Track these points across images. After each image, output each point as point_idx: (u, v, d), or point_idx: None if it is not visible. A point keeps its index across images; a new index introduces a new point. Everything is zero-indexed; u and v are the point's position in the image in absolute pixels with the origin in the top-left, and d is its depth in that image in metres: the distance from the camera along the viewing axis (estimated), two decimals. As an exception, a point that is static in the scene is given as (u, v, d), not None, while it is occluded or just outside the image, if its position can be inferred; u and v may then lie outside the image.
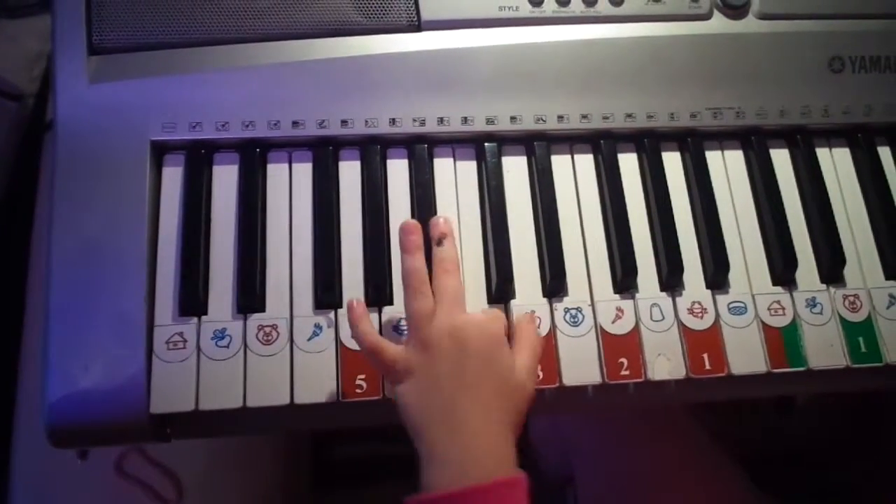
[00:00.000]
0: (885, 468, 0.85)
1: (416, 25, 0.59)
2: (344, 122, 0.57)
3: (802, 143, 0.62)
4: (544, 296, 0.56)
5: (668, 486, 0.70)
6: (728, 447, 0.74)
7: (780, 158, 0.62)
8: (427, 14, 0.59)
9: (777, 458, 0.93)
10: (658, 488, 0.71)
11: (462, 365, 0.48)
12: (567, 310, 0.56)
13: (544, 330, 0.55)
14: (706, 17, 0.62)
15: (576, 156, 0.61)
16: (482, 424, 0.47)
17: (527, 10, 0.60)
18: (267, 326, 0.53)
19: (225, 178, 0.57)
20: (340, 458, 1.14)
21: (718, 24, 0.62)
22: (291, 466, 0.94)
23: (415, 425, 0.48)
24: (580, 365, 0.54)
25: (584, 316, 0.55)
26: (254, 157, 0.57)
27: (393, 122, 0.58)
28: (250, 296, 0.54)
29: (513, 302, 0.56)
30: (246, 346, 0.53)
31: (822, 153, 0.63)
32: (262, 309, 0.54)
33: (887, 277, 0.59)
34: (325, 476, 1.07)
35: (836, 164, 0.63)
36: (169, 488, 0.80)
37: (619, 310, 0.56)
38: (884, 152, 0.63)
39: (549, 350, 0.54)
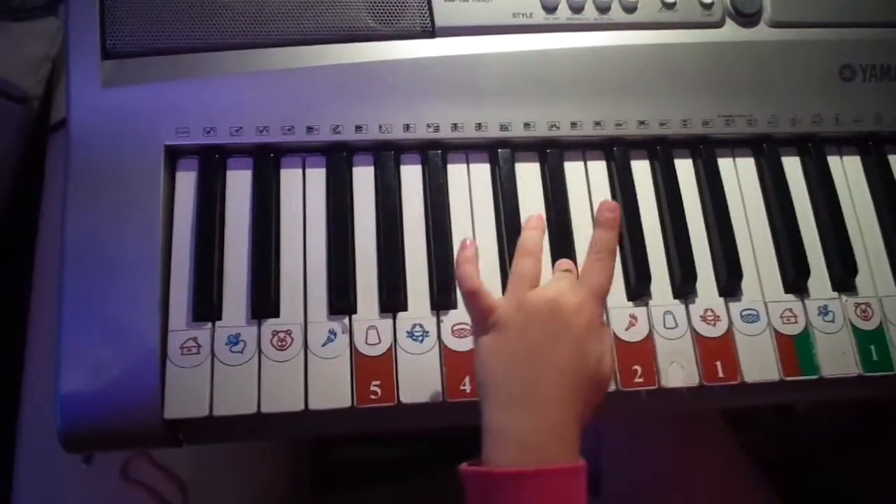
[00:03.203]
0: (888, 474, 0.85)
1: (430, 32, 0.59)
2: (358, 128, 0.57)
3: (814, 151, 0.62)
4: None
5: (693, 490, 0.70)
6: (755, 453, 0.74)
7: (792, 166, 0.62)
8: (441, 20, 0.59)
9: (779, 464, 0.93)
10: (683, 491, 0.71)
11: (556, 341, 0.46)
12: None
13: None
14: (718, 24, 0.62)
15: (588, 162, 0.61)
16: (559, 410, 0.45)
17: (541, 16, 0.60)
18: (281, 332, 0.53)
19: (239, 183, 0.57)
20: (340, 461, 1.14)
21: (730, 31, 0.62)
22: (293, 469, 0.94)
23: (489, 385, 0.47)
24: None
25: (606, 321, 0.55)
26: (267, 162, 0.57)
27: (407, 127, 0.58)
28: (265, 301, 0.54)
29: (526, 308, 0.55)
30: (260, 351, 0.53)
31: (833, 161, 0.63)
32: (276, 314, 0.54)
33: (899, 285, 0.59)
34: (324, 478, 1.07)
35: (847, 172, 0.63)
36: (174, 492, 0.80)
37: (633, 317, 0.56)
38: (894, 160, 0.64)
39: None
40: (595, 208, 0.59)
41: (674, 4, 0.61)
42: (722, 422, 0.75)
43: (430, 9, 0.59)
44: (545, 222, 0.54)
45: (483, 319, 0.48)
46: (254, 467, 0.85)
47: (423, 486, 1.07)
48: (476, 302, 0.49)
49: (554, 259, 0.57)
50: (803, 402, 0.58)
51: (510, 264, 0.55)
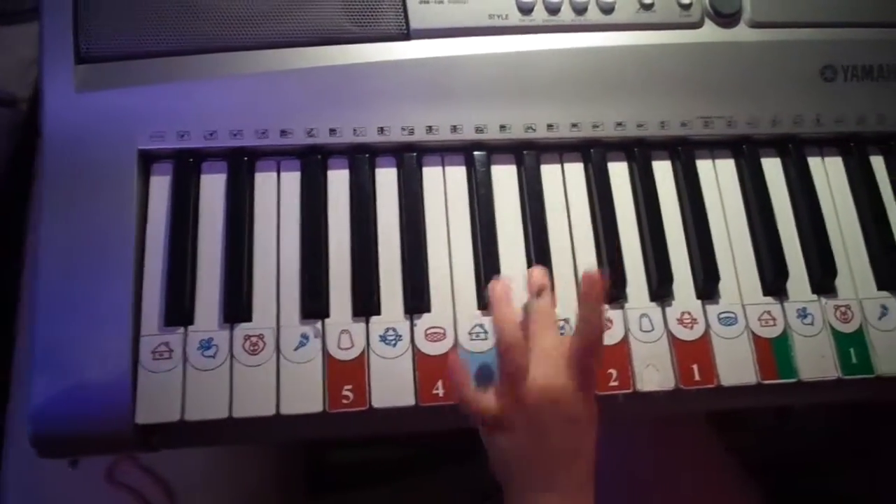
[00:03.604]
0: (883, 476, 0.85)
1: (406, 34, 0.59)
2: (332, 131, 0.57)
3: (794, 153, 0.62)
4: (533, 306, 0.56)
5: (677, 492, 0.70)
6: (742, 455, 0.74)
7: (772, 168, 0.62)
8: (416, 22, 0.59)
9: (772, 466, 0.92)
10: (666, 494, 0.70)
11: (562, 436, 0.48)
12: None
13: (532, 340, 0.54)
14: (697, 25, 0.61)
15: (566, 164, 0.60)
16: (580, 482, 0.49)
17: (517, 18, 0.59)
18: (253, 336, 0.53)
19: (213, 187, 0.57)
20: (334, 463, 1.14)
21: (709, 32, 0.62)
22: (284, 471, 0.94)
23: (510, 480, 0.49)
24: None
25: (572, 327, 0.55)
26: (241, 165, 0.57)
27: (381, 130, 0.57)
28: (237, 305, 0.53)
29: (501, 312, 0.55)
30: (232, 355, 0.53)
31: (815, 162, 0.63)
32: (248, 318, 0.54)
33: (879, 288, 0.59)
34: (319, 480, 1.07)
35: (829, 173, 0.63)
36: (160, 496, 0.80)
37: (608, 320, 0.55)
38: (876, 162, 0.63)
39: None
40: (572, 210, 0.59)
41: (651, 5, 0.60)
42: (706, 423, 0.75)
43: (405, 11, 0.58)
44: (511, 291, 0.52)
45: (487, 427, 0.50)
46: (241, 470, 0.85)
47: (418, 487, 1.07)
48: (473, 406, 0.49)
49: (530, 263, 0.57)
50: (786, 405, 0.58)
51: (484, 267, 0.55)
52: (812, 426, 0.92)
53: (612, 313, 0.56)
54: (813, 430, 0.92)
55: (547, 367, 0.49)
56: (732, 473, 0.73)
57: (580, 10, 0.60)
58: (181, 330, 0.53)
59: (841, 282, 0.59)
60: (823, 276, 0.58)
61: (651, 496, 0.71)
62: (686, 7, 0.61)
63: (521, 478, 0.49)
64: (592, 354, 0.50)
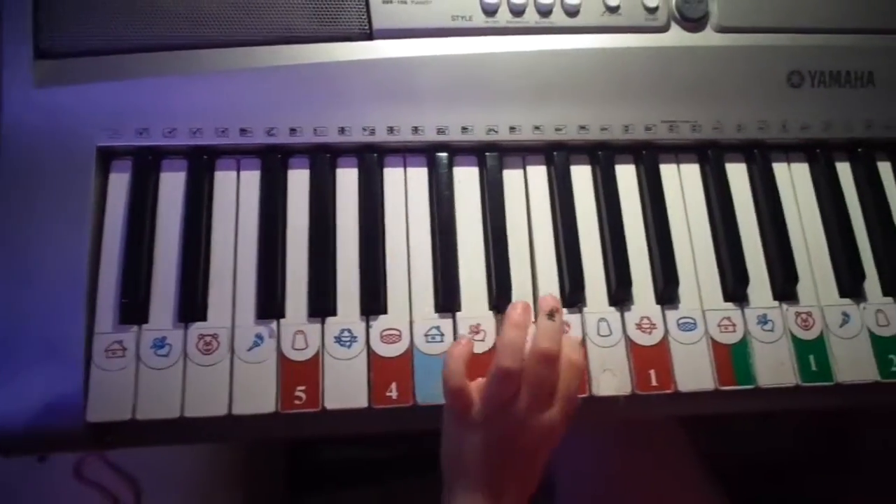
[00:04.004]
0: (851, 481, 0.85)
1: (368, 34, 0.58)
2: (293, 131, 0.57)
3: (760, 158, 0.61)
4: (490, 308, 0.56)
5: (646, 495, 0.70)
6: (704, 459, 0.74)
7: (737, 173, 0.62)
8: (379, 22, 0.58)
9: (751, 470, 0.92)
10: (635, 496, 0.70)
11: (514, 450, 0.49)
12: (513, 323, 0.55)
13: (488, 344, 0.54)
14: (663, 29, 0.61)
15: (528, 167, 0.60)
16: (516, 492, 0.50)
17: (481, 19, 0.59)
18: (208, 336, 0.53)
19: (172, 185, 0.57)
20: (319, 462, 1.14)
21: (676, 36, 0.61)
22: (260, 471, 0.94)
23: (449, 469, 0.51)
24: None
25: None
26: (201, 164, 0.57)
27: (342, 130, 0.57)
28: (192, 304, 0.53)
29: (458, 314, 0.55)
30: (186, 355, 0.52)
31: (781, 168, 0.62)
32: (203, 318, 0.54)
33: (841, 295, 0.59)
34: (302, 479, 1.07)
35: (795, 179, 0.62)
36: (127, 493, 0.80)
37: (566, 324, 0.55)
38: (842, 168, 0.63)
39: (489, 366, 0.53)
40: (533, 213, 0.59)
41: (617, 8, 0.60)
42: (677, 427, 0.74)
43: (368, 10, 0.58)
44: (530, 318, 0.52)
45: (458, 412, 0.50)
46: (214, 469, 0.85)
47: (406, 488, 1.07)
48: (457, 400, 0.50)
49: (489, 266, 0.57)
50: (746, 412, 0.57)
51: (442, 270, 0.55)
52: (782, 430, 0.92)
53: (570, 317, 0.56)
54: (782, 435, 0.91)
55: (532, 397, 0.49)
56: (702, 478, 0.72)
57: (545, 13, 0.60)
58: (135, 328, 0.53)
59: (803, 288, 0.58)
60: (785, 283, 0.58)
61: (623, 499, 0.71)
62: (652, 11, 0.61)
63: (465, 478, 0.50)
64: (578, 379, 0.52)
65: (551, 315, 0.51)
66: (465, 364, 0.50)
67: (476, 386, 0.50)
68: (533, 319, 0.53)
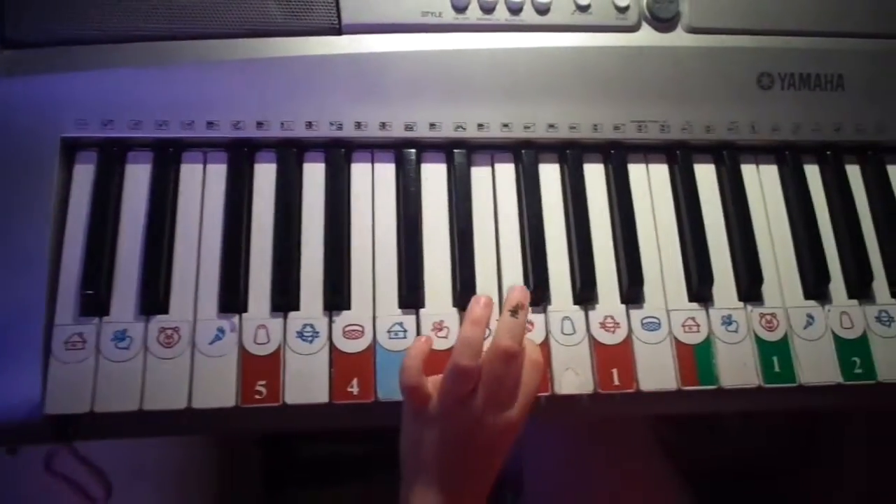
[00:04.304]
0: (820, 481, 0.85)
1: (337, 28, 0.58)
2: (260, 125, 0.57)
3: (728, 160, 0.61)
4: (454, 306, 0.56)
5: (615, 487, 0.70)
6: (679, 460, 0.74)
7: (705, 174, 0.62)
8: (348, 17, 0.58)
9: (712, 470, 0.92)
10: (604, 489, 0.70)
11: (469, 447, 0.49)
12: (477, 321, 0.55)
13: (451, 341, 0.54)
14: (634, 28, 0.61)
15: (497, 165, 0.60)
16: (469, 489, 0.51)
17: (450, 16, 0.59)
18: (169, 329, 0.53)
19: (137, 178, 0.57)
20: (296, 458, 1.13)
21: (646, 36, 0.62)
22: (234, 466, 0.93)
23: (405, 464, 0.51)
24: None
25: (490, 330, 0.54)
26: (167, 156, 0.57)
27: (310, 125, 0.57)
28: (153, 297, 0.53)
29: (422, 311, 0.55)
30: (146, 348, 0.52)
31: (749, 170, 0.62)
32: (164, 311, 0.53)
33: (806, 297, 0.59)
34: (279, 476, 1.07)
35: (763, 181, 0.62)
36: (97, 487, 0.80)
37: (530, 322, 0.55)
38: (811, 171, 0.63)
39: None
40: (500, 211, 0.59)
41: (587, 7, 0.60)
42: (645, 427, 0.75)
43: (337, 5, 0.58)
44: (490, 314, 0.52)
45: (414, 408, 0.50)
46: (185, 464, 0.85)
47: (384, 484, 1.06)
48: (412, 397, 0.50)
49: (454, 263, 0.57)
50: (707, 413, 0.58)
51: (406, 266, 0.55)
52: (749, 430, 0.92)
53: (534, 316, 0.56)
54: (750, 435, 0.92)
55: (488, 395, 0.49)
56: (669, 475, 0.72)
57: (515, 10, 0.60)
58: (96, 321, 0.53)
59: (768, 290, 0.59)
60: (750, 284, 0.58)
61: (592, 492, 0.71)
62: (623, 10, 0.61)
63: (420, 472, 0.50)
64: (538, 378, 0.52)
65: (515, 312, 0.51)
66: (423, 361, 0.50)
67: (433, 382, 0.50)
68: (498, 315, 0.53)
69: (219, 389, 0.52)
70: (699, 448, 0.89)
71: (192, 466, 0.86)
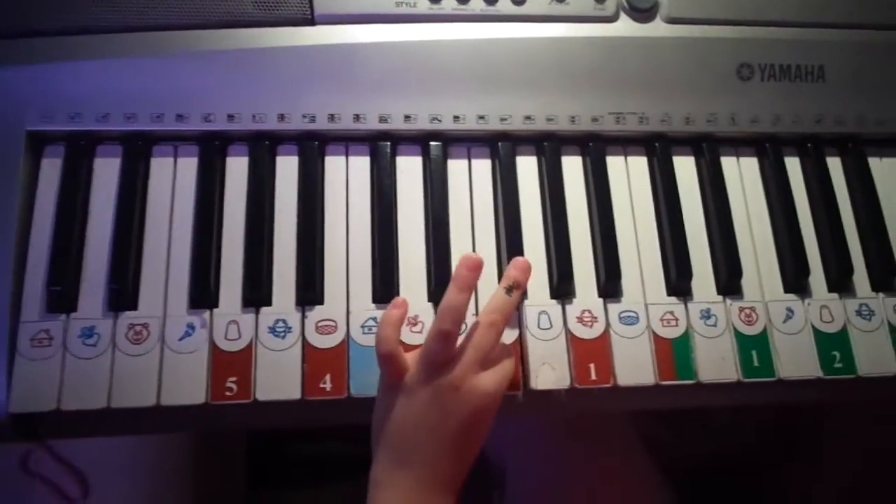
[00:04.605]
0: (811, 474, 0.85)
1: (310, 19, 0.57)
2: (231, 117, 0.56)
3: (708, 152, 0.61)
4: (429, 301, 0.55)
5: (594, 483, 0.70)
6: (661, 455, 0.73)
7: (685, 166, 0.61)
8: (321, 7, 0.57)
9: (706, 467, 0.92)
10: (584, 485, 0.70)
11: (450, 419, 0.48)
12: (452, 316, 0.54)
13: (424, 337, 0.53)
14: (612, 19, 0.60)
15: (473, 158, 0.59)
16: (444, 469, 0.49)
17: (425, 6, 0.58)
18: (138, 325, 0.52)
19: (106, 172, 0.56)
20: (282, 457, 1.13)
21: (624, 26, 0.61)
22: (216, 466, 0.92)
23: (379, 439, 0.50)
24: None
25: (466, 325, 0.54)
26: (136, 150, 0.56)
27: (282, 117, 0.56)
28: (122, 293, 0.52)
29: (397, 306, 0.54)
30: (115, 344, 0.51)
31: (729, 162, 0.62)
32: (133, 307, 0.52)
33: (786, 290, 0.58)
34: (264, 475, 1.06)
35: (743, 173, 0.62)
36: (73, 487, 0.78)
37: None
38: (792, 163, 0.62)
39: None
40: (476, 204, 0.58)
41: (565, -3, 0.59)
42: (625, 422, 0.74)
43: (310, -5, 0.57)
44: (477, 278, 0.51)
45: (391, 380, 0.50)
46: (163, 461, 0.84)
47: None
48: (388, 365, 0.49)
49: (429, 258, 0.56)
50: (687, 408, 0.57)
51: (380, 260, 0.54)
52: (732, 426, 0.92)
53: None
54: (733, 431, 0.91)
55: (469, 361, 0.49)
56: (649, 470, 0.72)
57: (491, 0, 0.59)
58: (63, 317, 0.52)
59: (747, 283, 0.58)
60: (729, 278, 0.57)
61: (573, 487, 0.70)
62: (601, 0, 0.60)
63: (394, 448, 0.49)
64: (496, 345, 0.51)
65: (510, 290, 0.51)
66: (398, 329, 0.50)
67: (412, 356, 0.50)
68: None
69: (188, 386, 0.51)
70: (680, 444, 0.89)
71: (173, 465, 0.85)
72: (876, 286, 0.59)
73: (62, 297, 0.52)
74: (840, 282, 0.58)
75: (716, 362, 0.55)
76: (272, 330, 0.53)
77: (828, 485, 0.79)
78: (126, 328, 0.52)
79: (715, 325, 0.56)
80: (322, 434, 1.09)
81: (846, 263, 0.58)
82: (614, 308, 0.56)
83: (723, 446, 0.90)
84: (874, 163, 0.63)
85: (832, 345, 0.57)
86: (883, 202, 0.61)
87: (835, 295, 0.58)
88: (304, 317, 0.53)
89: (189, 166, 0.56)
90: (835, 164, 0.63)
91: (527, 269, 0.52)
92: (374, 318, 0.54)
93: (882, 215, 0.60)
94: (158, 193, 0.56)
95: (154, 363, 0.51)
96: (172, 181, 0.56)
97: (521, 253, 0.56)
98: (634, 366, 0.54)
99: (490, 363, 0.50)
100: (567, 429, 0.73)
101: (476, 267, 0.50)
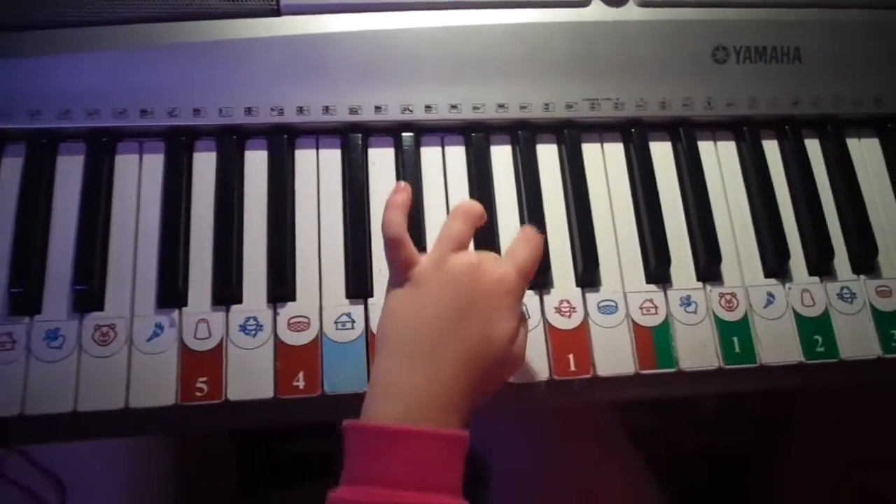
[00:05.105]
0: (787, 467, 0.84)
1: (275, 9, 0.56)
2: (196, 112, 0.54)
3: (684, 136, 0.60)
4: (404, 294, 0.53)
5: (577, 484, 0.69)
6: (645, 445, 0.73)
7: (662, 151, 0.60)
8: (286, -3, 0.56)
9: (695, 456, 0.91)
10: (567, 486, 0.69)
11: (469, 309, 0.44)
12: (427, 308, 0.53)
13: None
14: (584, 3, 0.59)
15: (447, 148, 0.58)
16: (456, 377, 0.44)
17: (394, -7, 0.57)
18: (104, 326, 0.51)
19: (69, 170, 0.54)
20: (271, 457, 1.11)
21: (597, 11, 0.60)
22: (204, 466, 0.91)
23: (390, 337, 0.45)
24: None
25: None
26: (100, 147, 0.54)
27: (249, 111, 0.55)
28: (87, 293, 0.51)
29: (371, 301, 0.53)
30: (80, 347, 0.50)
31: (707, 147, 0.61)
32: (99, 308, 0.51)
33: (766, 275, 0.57)
34: (253, 476, 1.04)
35: (721, 157, 0.61)
36: (49, 492, 0.77)
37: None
38: (770, 146, 0.61)
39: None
40: (451, 195, 0.57)
41: (537, -17, 0.58)
42: (609, 411, 0.73)
43: (275, -15, 0.56)
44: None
45: (401, 271, 0.46)
46: (143, 467, 0.82)
47: None
48: (397, 251, 0.46)
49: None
50: (671, 396, 0.56)
51: (353, 253, 0.53)
52: (730, 417, 0.91)
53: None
54: (717, 421, 0.91)
55: (486, 253, 0.47)
56: (632, 462, 0.71)
57: (461, -13, 0.58)
58: (26, 320, 0.50)
59: (727, 269, 0.57)
60: (708, 263, 0.56)
61: (558, 480, 0.70)
62: (573, -15, 0.59)
63: (399, 344, 0.45)
64: (536, 262, 0.49)
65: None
66: (405, 213, 0.47)
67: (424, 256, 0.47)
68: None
69: (157, 388, 0.50)
70: (665, 433, 0.88)
71: (154, 467, 0.84)
72: (857, 268, 0.58)
73: (25, 298, 0.50)
74: (821, 265, 0.58)
75: (696, 350, 0.54)
76: (243, 328, 0.51)
77: (815, 474, 0.79)
78: (92, 329, 0.50)
79: (695, 312, 0.55)
80: (312, 432, 1.08)
81: (827, 246, 0.58)
82: (593, 297, 0.55)
83: (708, 436, 0.89)
84: (852, 144, 0.62)
85: (814, 329, 0.56)
86: (862, 184, 0.60)
87: (816, 278, 0.58)
88: (275, 314, 0.52)
89: (155, 162, 0.55)
90: (813, 146, 0.62)
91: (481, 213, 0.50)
92: (348, 314, 0.52)
93: (862, 197, 0.60)
94: (124, 191, 0.54)
95: (122, 365, 0.50)
96: (138, 178, 0.55)
97: (496, 243, 0.55)
98: (614, 355, 0.54)
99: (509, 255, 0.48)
100: (550, 420, 0.72)
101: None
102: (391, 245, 0.47)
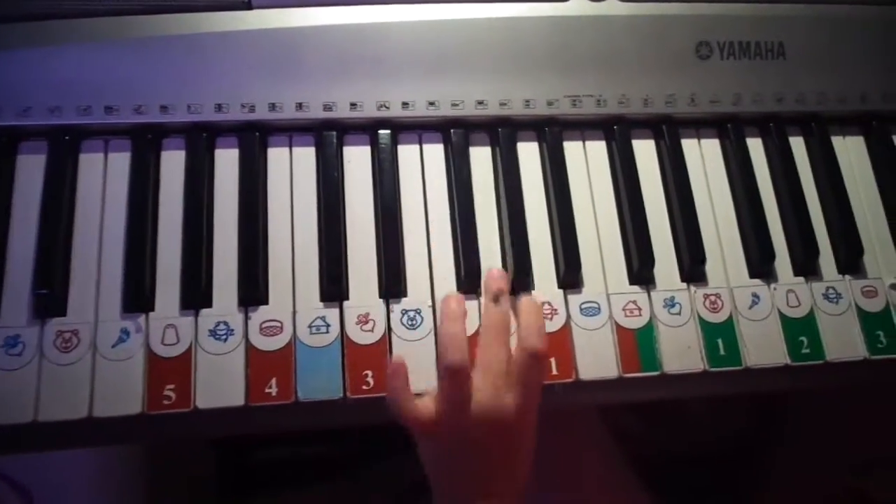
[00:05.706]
0: (771, 469, 0.83)
1: (247, 2, 0.54)
2: (164, 108, 0.52)
3: (667, 134, 0.58)
4: (381, 297, 0.52)
5: (564, 489, 0.68)
6: (632, 447, 0.72)
7: (644, 149, 0.59)
8: (258, -10, 0.54)
9: (661, 458, 0.90)
10: (554, 491, 0.68)
11: (500, 450, 0.48)
12: (405, 311, 0.52)
13: (377, 335, 0.51)
14: (567, -3, 0.58)
15: (425, 146, 0.57)
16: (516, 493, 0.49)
17: (369, -13, 0.55)
18: (67, 332, 0.48)
19: (30, 169, 0.52)
20: (253, 463, 1.09)
21: (578, 5, 0.58)
22: (184, 473, 0.89)
23: (441, 484, 0.50)
24: (418, 371, 0.50)
25: (422, 318, 0.51)
26: (63, 146, 0.52)
27: (219, 107, 0.53)
28: (49, 298, 0.49)
29: (346, 303, 0.51)
30: (42, 353, 0.48)
31: (690, 144, 0.60)
32: (62, 312, 0.49)
33: (751, 276, 0.56)
34: (235, 482, 1.02)
35: (705, 155, 0.60)
36: (15, 502, 0.75)
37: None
38: (754, 144, 0.60)
39: (380, 359, 0.50)
40: (429, 196, 0.55)
41: (512, -24, 0.56)
42: (596, 413, 0.72)
43: (246, -23, 0.54)
44: (464, 305, 0.51)
45: (423, 435, 0.49)
46: (114, 478, 0.80)
47: (342, 489, 1.03)
48: (411, 424, 0.48)
49: (380, 252, 0.53)
50: (656, 400, 0.55)
51: (328, 256, 0.51)
52: (705, 418, 0.90)
53: (466, 304, 0.52)
54: (705, 423, 0.90)
55: (488, 385, 0.48)
56: (620, 465, 0.70)
57: (438, -20, 0.56)
58: (-17, 326, 0.48)
59: (712, 269, 0.56)
60: (692, 264, 0.55)
61: (533, 490, 0.68)
62: (553, -22, 0.57)
63: (453, 484, 0.49)
64: (537, 366, 0.48)
65: (496, 300, 0.50)
66: (406, 383, 0.49)
67: (429, 398, 0.48)
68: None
69: (123, 396, 0.48)
70: (652, 436, 0.87)
71: (127, 476, 0.81)
72: (842, 268, 0.57)
73: (-19, 305, 0.48)
74: (806, 265, 0.57)
75: (681, 352, 0.53)
76: (213, 333, 0.50)
77: (805, 477, 0.78)
78: (54, 336, 0.48)
79: (679, 314, 0.54)
80: (292, 437, 1.06)
81: (812, 246, 0.57)
82: (575, 299, 0.54)
83: (696, 438, 0.88)
84: (837, 142, 0.61)
85: (799, 330, 0.55)
86: (847, 182, 0.59)
87: (801, 279, 0.57)
88: (247, 318, 0.50)
89: (121, 161, 0.53)
90: (798, 144, 0.61)
91: (503, 276, 0.52)
92: (322, 318, 0.51)
93: (847, 196, 0.59)
94: (88, 190, 0.52)
95: (85, 372, 0.48)
96: (103, 177, 0.53)
97: (475, 244, 0.53)
98: (597, 359, 0.52)
99: (511, 375, 0.49)
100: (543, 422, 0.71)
101: (460, 301, 0.50)
102: (403, 422, 0.48)
